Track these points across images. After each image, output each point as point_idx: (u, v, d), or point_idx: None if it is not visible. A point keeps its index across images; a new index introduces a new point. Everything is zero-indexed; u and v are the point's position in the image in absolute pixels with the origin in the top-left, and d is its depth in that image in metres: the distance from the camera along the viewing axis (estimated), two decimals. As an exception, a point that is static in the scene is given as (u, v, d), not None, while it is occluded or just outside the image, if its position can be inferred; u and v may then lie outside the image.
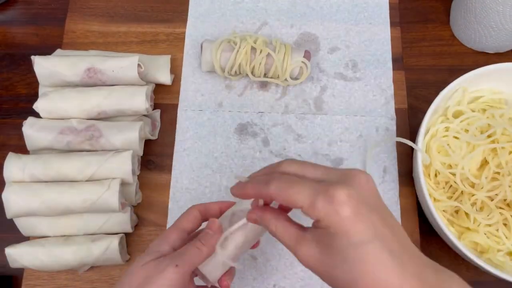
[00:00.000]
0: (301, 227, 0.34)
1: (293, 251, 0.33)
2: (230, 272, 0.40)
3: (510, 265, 0.47)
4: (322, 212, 0.30)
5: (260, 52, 0.54)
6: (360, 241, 0.29)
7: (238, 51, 0.54)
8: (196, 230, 0.42)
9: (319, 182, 0.32)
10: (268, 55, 0.54)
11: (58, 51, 0.59)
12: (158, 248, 0.38)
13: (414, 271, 0.29)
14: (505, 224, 0.48)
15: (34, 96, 0.55)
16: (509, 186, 0.48)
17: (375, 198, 0.32)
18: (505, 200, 0.48)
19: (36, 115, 0.53)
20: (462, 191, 0.50)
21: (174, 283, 0.35)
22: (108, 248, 0.49)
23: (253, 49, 0.55)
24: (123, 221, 0.51)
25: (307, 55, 0.56)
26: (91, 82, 0.54)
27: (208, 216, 0.41)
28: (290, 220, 0.35)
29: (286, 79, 0.56)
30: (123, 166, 0.50)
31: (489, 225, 0.48)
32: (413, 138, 0.55)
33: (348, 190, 0.30)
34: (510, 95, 0.53)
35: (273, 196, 0.33)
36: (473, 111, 0.52)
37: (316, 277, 0.50)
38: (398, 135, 0.56)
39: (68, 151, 0.52)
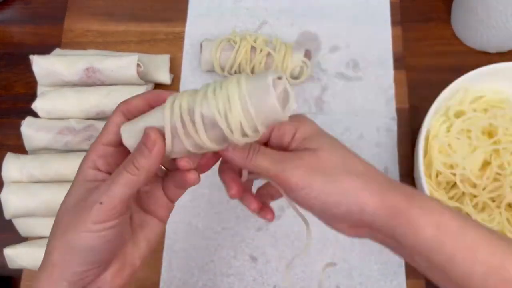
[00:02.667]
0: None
1: (279, 173, 0.33)
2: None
3: (511, 266, 0.47)
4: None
5: (260, 51, 0.54)
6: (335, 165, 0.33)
7: (238, 50, 0.54)
8: None
9: None
10: (268, 54, 0.54)
11: (57, 50, 0.58)
12: (84, 176, 0.32)
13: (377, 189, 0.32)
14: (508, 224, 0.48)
15: (33, 96, 0.55)
16: (511, 187, 0.47)
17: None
18: (504, 199, 0.48)
19: (35, 115, 0.53)
20: (463, 192, 0.49)
21: (100, 224, 0.30)
22: (107, 249, 0.48)
23: (253, 48, 0.54)
24: (122, 221, 0.50)
25: (308, 54, 0.55)
26: (90, 81, 0.54)
27: (136, 115, 0.33)
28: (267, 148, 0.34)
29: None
30: (122, 166, 0.49)
31: (490, 226, 0.48)
32: (414, 138, 0.55)
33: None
34: (512, 95, 0.53)
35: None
36: (474, 111, 0.51)
37: (317, 277, 0.50)
38: (399, 135, 0.56)
39: (67, 151, 0.52)
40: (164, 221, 0.36)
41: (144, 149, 0.30)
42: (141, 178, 0.30)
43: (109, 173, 0.32)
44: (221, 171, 0.37)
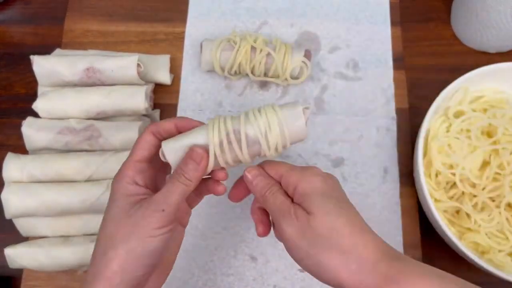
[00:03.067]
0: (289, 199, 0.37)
1: (277, 221, 0.36)
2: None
3: (511, 265, 0.47)
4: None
5: (260, 51, 0.54)
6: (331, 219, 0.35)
7: (238, 50, 0.54)
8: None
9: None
10: (268, 54, 0.54)
11: (57, 50, 0.59)
12: (125, 191, 0.36)
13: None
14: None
15: (33, 96, 0.55)
16: (510, 187, 0.47)
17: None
18: (504, 199, 0.48)
19: (35, 115, 0.53)
20: (463, 192, 0.49)
21: (162, 228, 0.34)
22: (107, 249, 0.48)
23: (253, 48, 0.54)
24: (122, 221, 0.50)
25: (308, 54, 0.55)
26: (90, 81, 0.54)
27: (165, 136, 0.38)
28: (282, 189, 0.38)
29: (286, 79, 0.56)
30: (122, 166, 0.50)
31: (490, 226, 0.48)
32: (414, 138, 0.55)
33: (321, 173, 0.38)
34: (512, 95, 0.53)
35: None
36: (474, 111, 0.51)
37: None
38: (398, 135, 0.56)
39: (67, 151, 0.52)
40: (185, 226, 0.41)
41: (193, 163, 0.36)
42: (191, 188, 0.36)
43: (146, 187, 0.37)
44: (252, 212, 0.42)
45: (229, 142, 0.36)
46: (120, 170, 0.37)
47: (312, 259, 0.34)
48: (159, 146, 0.38)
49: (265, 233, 0.41)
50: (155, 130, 0.38)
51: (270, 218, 0.41)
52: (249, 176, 0.39)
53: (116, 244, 0.34)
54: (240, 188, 0.41)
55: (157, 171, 0.39)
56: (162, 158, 0.37)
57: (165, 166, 0.40)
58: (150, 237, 0.34)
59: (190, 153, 0.36)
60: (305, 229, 0.34)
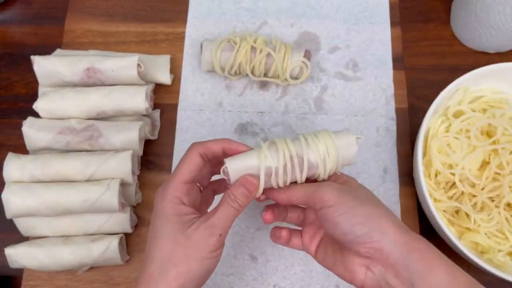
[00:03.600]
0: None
1: (313, 192, 0.37)
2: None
3: (511, 265, 0.47)
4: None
5: (260, 51, 0.54)
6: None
7: (238, 50, 0.54)
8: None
9: None
10: (268, 54, 0.54)
11: (58, 51, 0.59)
12: (176, 211, 0.37)
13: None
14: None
15: (34, 96, 0.55)
16: (510, 187, 0.47)
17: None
18: (503, 198, 0.48)
19: (36, 115, 0.53)
20: (462, 192, 0.49)
21: (217, 250, 0.37)
22: (107, 248, 0.49)
23: (253, 48, 0.54)
24: (122, 221, 0.50)
25: (307, 54, 0.55)
26: (90, 82, 0.54)
27: (211, 158, 0.40)
28: None
29: (286, 79, 0.56)
30: (122, 166, 0.50)
31: (489, 226, 0.48)
32: (414, 138, 0.55)
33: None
34: (511, 95, 0.53)
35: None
36: (473, 111, 0.52)
37: (316, 277, 0.50)
38: (398, 135, 0.56)
39: (68, 151, 0.52)
40: None
41: (246, 191, 0.38)
42: (240, 212, 0.38)
43: (192, 206, 0.38)
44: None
45: (292, 166, 0.38)
46: (166, 189, 0.38)
47: (356, 210, 0.36)
48: (204, 168, 0.40)
49: (272, 219, 0.42)
50: (203, 152, 0.39)
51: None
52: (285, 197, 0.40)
53: (177, 263, 0.35)
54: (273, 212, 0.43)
55: (196, 189, 0.41)
56: (222, 175, 0.39)
57: (203, 183, 0.42)
58: (207, 259, 0.36)
59: (245, 183, 0.38)
60: (346, 189, 0.37)
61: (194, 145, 0.39)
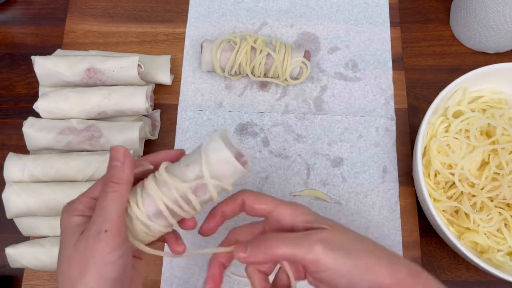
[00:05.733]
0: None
1: (306, 257, 0.32)
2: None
3: (510, 265, 0.47)
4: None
5: (260, 52, 0.54)
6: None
7: (238, 51, 0.54)
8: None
9: None
10: (268, 55, 0.54)
11: (58, 51, 0.59)
12: (69, 223, 0.32)
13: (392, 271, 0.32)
14: (505, 224, 0.48)
15: (34, 96, 0.55)
16: (509, 187, 0.48)
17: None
18: (504, 199, 0.48)
19: (36, 115, 0.53)
20: (462, 191, 0.50)
21: (114, 252, 0.31)
22: (108, 248, 0.49)
23: (253, 49, 0.55)
24: (123, 221, 0.50)
25: (307, 55, 0.56)
26: (91, 82, 0.54)
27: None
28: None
29: (286, 79, 0.56)
30: (123, 166, 0.50)
31: (489, 225, 0.48)
32: (413, 138, 0.55)
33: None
34: (510, 95, 0.53)
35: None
36: (473, 111, 0.52)
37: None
38: (398, 135, 0.56)
39: (68, 151, 0.52)
40: (141, 258, 0.38)
41: (117, 162, 0.32)
42: (123, 192, 0.32)
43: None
44: (246, 271, 0.38)
45: (180, 207, 0.34)
46: (71, 201, 0.34)
47: (352, 268, 0.32)
48: None
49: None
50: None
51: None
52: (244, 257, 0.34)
53: (74, 283, 0.30)
54: (213, 222, 0.38)
55: None
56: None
57: None
58: (105, 266, 0.30)
59: (112, 154, 0.33)
60: (332, 239, 0.33)
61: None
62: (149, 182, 0.34)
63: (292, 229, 0.35)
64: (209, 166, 0.33)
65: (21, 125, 0.52)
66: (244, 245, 0.34)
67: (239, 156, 0.34)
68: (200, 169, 0.33)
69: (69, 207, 0.34)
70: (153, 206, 0.33)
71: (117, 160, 0.33)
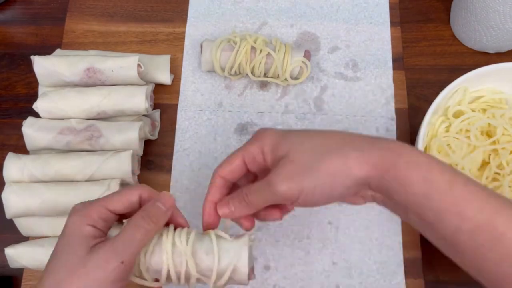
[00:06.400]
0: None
1: (272, 197, 0.34)
2: None
3: (510, 265, 0.47)
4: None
5: (260, 51, 0.54)
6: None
7: (238, 50, 0.54)
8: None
9: None
10: (268, 54, 0.54)
11: (58, 51, 0.59)
12: (81, 231, 0.32)
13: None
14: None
15: (34, 96, 0.55)
16: (510, 187, 0.47)
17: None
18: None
19: (36, 115, 0.53)
20: (462, 191, 0.49)
21: (119, 282, 0.31)
22: (107, 248, 0.49)
23: (253, 48, 0.55)
24: (122, 221, 0.50)
25: (307, 54, 0.55)
26: (90, 82, 0.54)
27: (145, 200, 0.35)
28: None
29: (286, 79, 0.56)
30: (122, 166, 0.50)
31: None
32: (414, 138, 0.55)
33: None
34: (511, 95, 0.53)
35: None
36: (473, 111, 0.52)
37: (316, 277, 0.50)
38: (398, 135, 0.56)
39: (68, 151, 0.52)
40: None
41: (163, 207, 0.34)
42: (152, 234, 0.33)
43: (104, 233, 0.33)
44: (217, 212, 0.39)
45: (178, 279, 0.35)
46: (85, 206, 0.33)
47: (318, 183, 0.32)
48: (137, 208, 0.35)
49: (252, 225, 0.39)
50: (146, 195, 0.35)
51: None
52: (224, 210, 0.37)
53: None
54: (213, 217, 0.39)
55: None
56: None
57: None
58: None
59: (161, 197, 0.34)
60: (293, 169, 0.33)
61: (142, 185, 0.36)
62: (167, 242, 0.35)
63: (265, 164, 0.36)
64: (224, 277, 0.35)
65: (21, 125, 0.52)
66: (226, 202, 0.37)
67: (251, 271, 0.37)
68: (215, 271, 0.35)
69: (82, 212, 0.33)
70: (158, 265, 0.34)
71: (163, 204, 0.34)
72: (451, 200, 0.30)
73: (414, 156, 0.31)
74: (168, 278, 0.35)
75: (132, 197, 0.34)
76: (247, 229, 0.39)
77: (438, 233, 0.31)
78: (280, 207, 0.39)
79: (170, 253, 0.34)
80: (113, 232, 0.34)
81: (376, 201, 0.35)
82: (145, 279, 0.35)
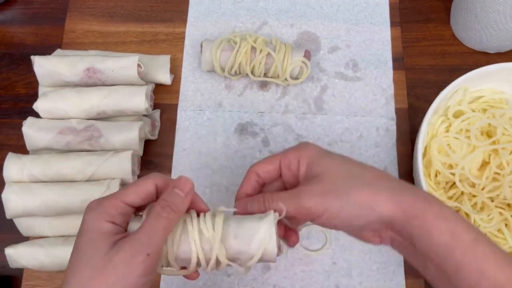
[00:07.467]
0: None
1: (297, 208, 0.35)
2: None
3: (510, 265, 0.47)
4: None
5: (260, 51, 0.54)
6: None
7: (238, 50, 0.54)
8: None
9: None
10: (268, 54, 0.54)
11: (58, 51, 0.59)
12: (101, 228, 0.31)
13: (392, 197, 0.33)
14: (506, 225, 0.48)
15: (34, 96, 0.55)
16: (510, 187, 0.47)
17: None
18: (505, 199, 0.48)
19: (36, 115, 0.53)
20: (462, 192, 0.49)
21: (147, 275, 0.31)
22: (107, 249, 0.49)
23: (253, 48, 0.55)
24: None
25: (307, 54, 0.55)
26: (90, 82, 0.54)
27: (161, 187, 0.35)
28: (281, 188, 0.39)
29: (286, 79, 0.56)
30: (122, 166, 0.50)
31: (489, 226, 0.48)
32: (414, 138, 0.55)
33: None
34: (511, 95, 0.53)
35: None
36: (473, 111, 0.52)
37: (316, 277, 0.50)
38: (398, 135, 0.56)
39: (68, 151, 0.52)
40: None
41: (181, 192, 0.33)
42: (174, 223, 0.32)
43: (124, 229, 0.33)
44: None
45: (206, 264, 0.35)
46: (101, 202, 0.33)
47: (345, 207, 0.33)
48: (155, 198, 0.34)
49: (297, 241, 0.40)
50: (161, 183, 0.34)
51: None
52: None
53: None
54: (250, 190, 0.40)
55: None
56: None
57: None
58: (134, 287, 0.30)
59: (176, 183, 0.34)
60: (325, 187, 0.34)
61: (155, 174, 0.35)
62: (194, 231, 0.34)
63: (297, 175, 0.38)
64: (254, 259, 0.35)
65: (21, 125, 0.52)
66: (245, 204, 0.37)
67: (279, 250, 0.36)
68: (247, 252, 0.34)
69: (100, 209, 0.32)
70: (187, 254, 0.34)
71: (181, 190, 0.33)
72: (474, 256, 0.31)
73: (444, 209, 0.33)
74: (198, 265, 0.35)
75: (148, 187, 0.34)
76: (293, 246, 0.40)
77: (455, 286, 0.32)
78: (294, 232, 0.40)
79: (198, 241, 0.33)
80: (133, 225, 0.33)
81: (392, 244, 0.36)
82: (173, 269, 0.35)
